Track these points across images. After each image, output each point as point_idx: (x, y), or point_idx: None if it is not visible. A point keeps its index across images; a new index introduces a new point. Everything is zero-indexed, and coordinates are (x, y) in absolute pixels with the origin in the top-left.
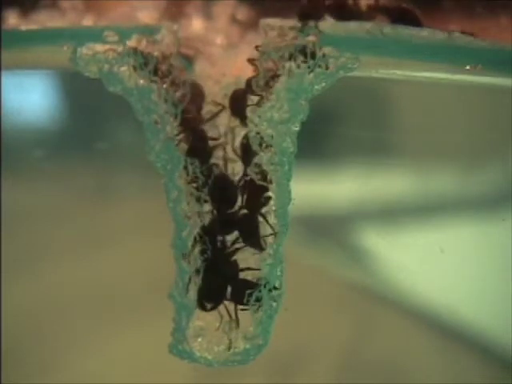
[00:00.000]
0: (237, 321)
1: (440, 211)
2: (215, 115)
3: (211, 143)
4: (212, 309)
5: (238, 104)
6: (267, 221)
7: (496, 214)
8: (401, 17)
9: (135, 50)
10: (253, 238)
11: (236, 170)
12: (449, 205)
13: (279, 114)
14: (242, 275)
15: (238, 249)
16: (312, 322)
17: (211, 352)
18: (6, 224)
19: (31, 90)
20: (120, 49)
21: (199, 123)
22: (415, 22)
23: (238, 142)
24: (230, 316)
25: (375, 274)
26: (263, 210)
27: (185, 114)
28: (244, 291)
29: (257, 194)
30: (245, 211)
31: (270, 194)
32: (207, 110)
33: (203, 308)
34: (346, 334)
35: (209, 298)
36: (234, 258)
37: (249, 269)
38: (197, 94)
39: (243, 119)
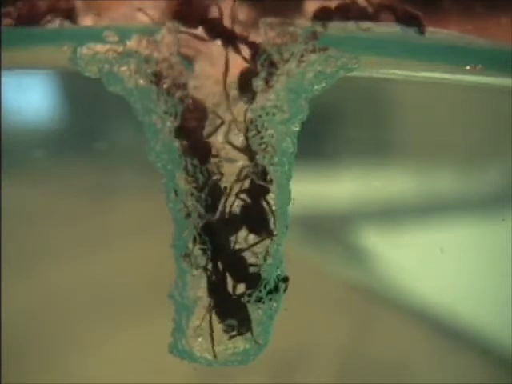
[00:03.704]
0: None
1: (440, 211)
2: (215, 130)
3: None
4: (241, 333)
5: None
6: (272, 210)
7: (496, 214)
8: (406, 19)
9: (135, 50)
10: (261, 225)
11: (235, 170)
12: (449, 205)
13: (279, 114)
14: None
15: (241, 249)
16: (312, 322)
17: (211, 352)
18: (6, 224)
19: (31, 89)
20: (120, 49)
21: (199, 139)
22: (418, 27)
23: (236, 140)
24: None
25: (375, 274)
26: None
27: (186, 130)
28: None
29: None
30: (248, 201)
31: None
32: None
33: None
34: (346, 334)
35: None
36: (241, 255)
37: (251, 265)
38: (199, 112)
39: (251, 97)
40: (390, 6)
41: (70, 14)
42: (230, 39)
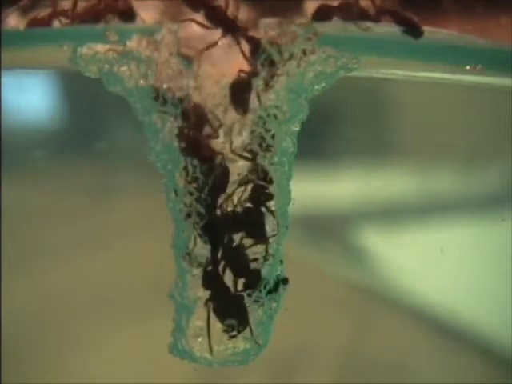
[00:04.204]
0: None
1: (440, 211)
2: (214, 133)
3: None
4: (240, 331)
5: (240, 94)
6: (273, 214)
7: (496, 214)
8: (403, 24)
9: (135, 50)
10: (258, 231)
11: (235, 170)
12: (449, 205)
13: (279, 114)
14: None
15: (242, 246)
16: (312, 322)
17: (210, 351)
18: (6, 224)
19: (31, 89)
20: (120, 49)
21: (199, 139)
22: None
23: (236, 140)
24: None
25: (375, 274)
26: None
27: (186, 130)
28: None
29: (261, 187)
30: (248, 205)
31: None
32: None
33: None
34: (346, 334)
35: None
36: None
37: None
38: (199, 112)
39: (245, 111)
40: (389, 10)
41: (128, 14)
42: (231, 29)
